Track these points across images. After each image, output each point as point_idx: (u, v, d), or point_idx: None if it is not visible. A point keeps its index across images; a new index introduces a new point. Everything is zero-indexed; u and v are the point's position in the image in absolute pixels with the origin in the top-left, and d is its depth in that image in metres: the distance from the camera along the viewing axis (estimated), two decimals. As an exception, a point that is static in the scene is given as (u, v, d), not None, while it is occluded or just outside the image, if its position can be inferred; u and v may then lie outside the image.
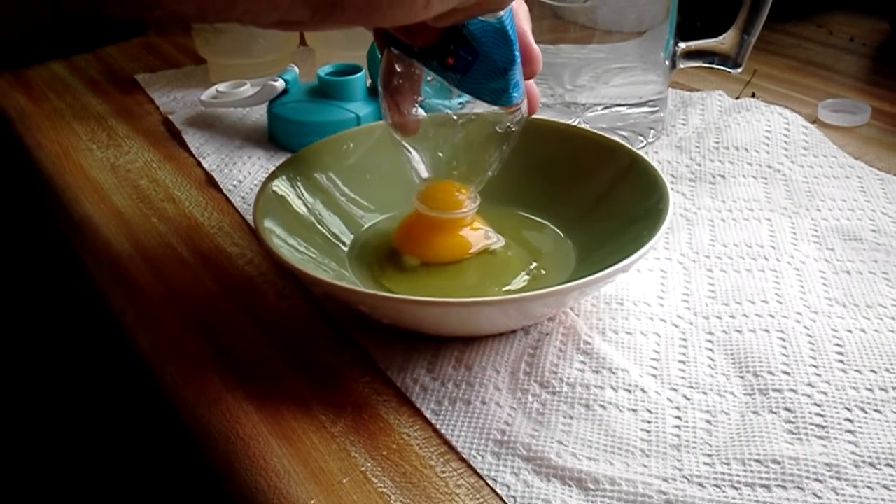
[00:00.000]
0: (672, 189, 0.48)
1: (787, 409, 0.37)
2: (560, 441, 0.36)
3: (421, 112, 0.44)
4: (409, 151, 0.45)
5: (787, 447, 0.35)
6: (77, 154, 0.62)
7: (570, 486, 0.34)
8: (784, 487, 0.33)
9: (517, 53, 0.40)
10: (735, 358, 0.40)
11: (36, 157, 0.63)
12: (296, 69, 0.63)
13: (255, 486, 0.35)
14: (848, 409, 0.37)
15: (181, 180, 0.58)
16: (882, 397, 0.37)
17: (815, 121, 0.63)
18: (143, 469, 0.71)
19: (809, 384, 0.38)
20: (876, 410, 0.37)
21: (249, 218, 0.52)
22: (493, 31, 0.39)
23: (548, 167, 0.50)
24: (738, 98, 0.66)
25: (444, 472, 0.35)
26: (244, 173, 0.58)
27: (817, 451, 0.35)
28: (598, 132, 0.51)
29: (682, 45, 0.60)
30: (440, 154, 0.45)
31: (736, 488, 0.33)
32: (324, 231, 0.47)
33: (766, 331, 0.42)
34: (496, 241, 0.46)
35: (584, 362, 0.40)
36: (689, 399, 0.38)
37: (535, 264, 0.46)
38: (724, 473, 0.34)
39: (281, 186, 0.46)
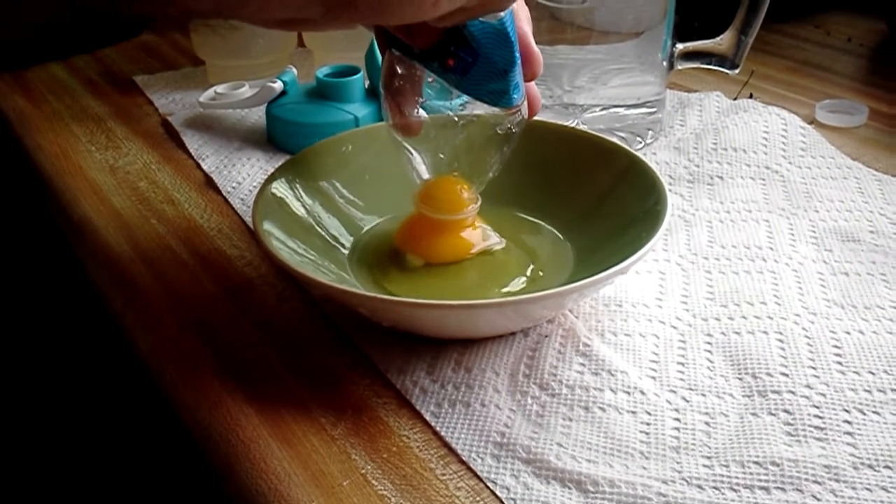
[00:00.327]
0: (670, 190, 0.48)
1: (785, 411, 0.37)
2: (559, 443, 0.36)
3: (422, 113, 0.44)
4: (410, 153, 0.45)
5: (786, 449, 0.35)
6: (76, 156, 0.62)
7: (569, 488, 0.34)
8: (783, 489, 0.33)
9: (517, 55, 0.40)
10: (734, 360, 0.40)
11: (35, 158, 0.63)
12: (294, 70, 0.63)
13: (256, 488, 0.35)
14: (846, 411, 0.37)
15: (180, 182, 0.58)
16: (881, 399, 0.38)
17: (812, 122, 0.63)
18: (144, 471, 0.71)
19: (808, 386, 0.38)
20: (874, 412, 0.37)
21: (249, 220, 0.52)
22: (493, 33, 0.39)
23: (546, 169, 0.50)
24: (735, 99, 0.66)
25: (444, 474, 0.35)
26: (243, 175, 0.58)
27: (816, 453, 0.35)
28: (597, 133, 0.51)
29: (680, 46, 0.60)
30: (441, 155, 0.45)
31: (735, 490, 0.33)
32: (323, 233, 0.47)
33: (765, 332, 0.42)
34: (497, 241, 0.46)
35: (583, 364, 0.40)
36: (688, 401, 0.38)
37: (533, 266, 0.46)
38: (723, 475, 0.34)
39: (280, 189, 0.47)
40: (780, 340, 0.41)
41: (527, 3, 0.44)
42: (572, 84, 0.59)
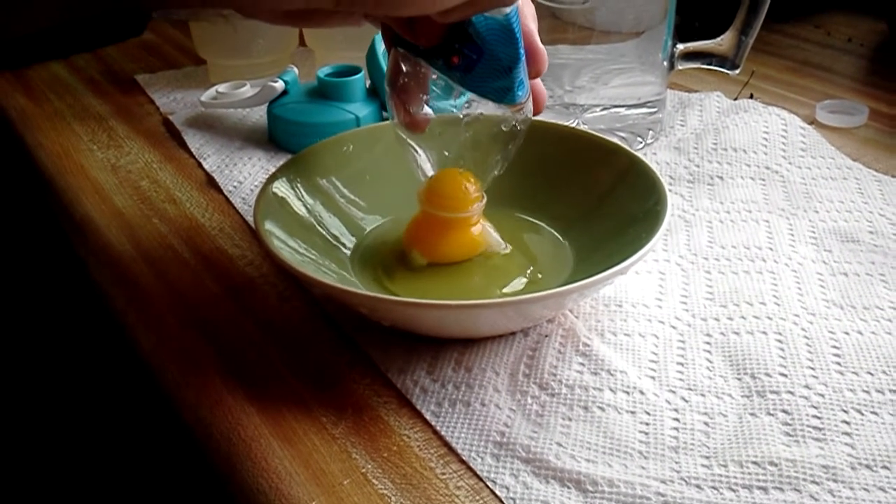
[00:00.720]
0: (670, 190, 0.48)
1: (784, 412, 0.37)
2: (559, 443, 0.36)
3: (428, 111, 0.44)
4: (416, 151, 0.45)
5: (785, 449, 0.35)
6: (78, 154, 0.62)
7: (568, 487, 0.34)
8: (781, 489, 0.34)
9: (522, 52, 0.40)
10: (733, 360, 0.40)
11: (37, 157, 0.63)
12: (295, 70, 0.63)
13: (257, 487, 0.35)
14: (845, 412, 0.37)
15: (182, 181, 0.58)
16: (879, 399, 0.38)
17: (812, 122, 0.63)
18: (146, 470, 0.71)
19: (807, 386, 0.38)
20: (872, 412, 0.37)
21: (250, 219, 0.53)
22: (498, 29, 0.39)
23: (546, 169, 0.51)
24: (736, 99, 0.66)
25: (443, 473, 0.35)
26: (244, 174, 0.58)
27: (814, 454, 0.35)
28: (597, 133, 0.51)
29: (681, 47, 0.60)
30: (446, 153, 0.45)
31: (733, 490, 0.34)
32: (324, 233, 0.47)
33: (764, 333, 0.42)
34: (502, 246, 0.47)
35: (582, 364, 0.40)
36: (687, 401, 0.38)
37: (533, 267, 0.46)
38: (721, 475, 0.34)
39: (281, 188, 0.47)
40: (780, 341, 0.41)
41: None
42: (573, 84, 0.59)
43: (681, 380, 0.39)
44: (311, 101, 0.61)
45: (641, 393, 0.38)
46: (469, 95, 0.42)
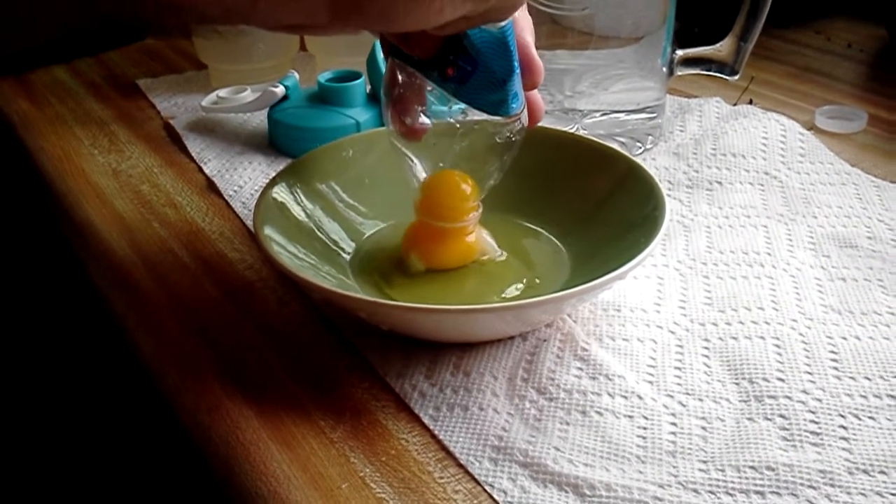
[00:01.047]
0: (669, 196, 0.48)
1: (781, 416, 0.37)
2: (557, 447, 0.36)
3: (425, 120, 0.44)
4: (411, 160, 0.45)
5: (782, 454, 0.35)
6: (79, 159, 0.63)
7: (566, 491, 0.34)
8: (778, 494, 0.34)
9: (516, 64, 0.41)
10: (731, 365, 0.40)
11: (38, 161, 0.63)
12: (296, 75, 0.64)
13: (256, 490, 0.35)
14: (842, 416, 0.37)
15: (182, 185, 0.58)
16: (876, 404, 0.38)
17: (811, 127, 0.64)
18: (144, 474, 0.71)
19: (804, 391, 0.38)
20: (870, 417, 0.37)
21: (250, 224, 0.53)
22: (493, 42, 0.39)
23: (545, 174, 0.51)
24: (735, 105, 0.66)
25: (441, 477, 0.35)
26: (245, 179, 0.58)
27: (812, 458, 0.35)
28: (596, 139, 0.51)
29: (680, 52, 0.60)
30: (441, 164, 0.45)
31: (731, 495, 0.34)
32: (323, 237, 0.47)
33: (762, 338, 0.42)
34: (497, 253, 0.47)
35: (581, 369, 0.40)
36: (684, 405, 0.38)
37: (531, 271, 0.46)
38: (719, 480, 0.34)
39: (281, 193, 0.47)
40: (777, 346, 0.41)
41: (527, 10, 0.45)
42: (573, 89, 0.59)
43: (679, 384, 0.39)
44: (312, 106, 0.61)
45: (639, 397, 0.38)
46: (464, 106, 0.42)
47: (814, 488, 0.34)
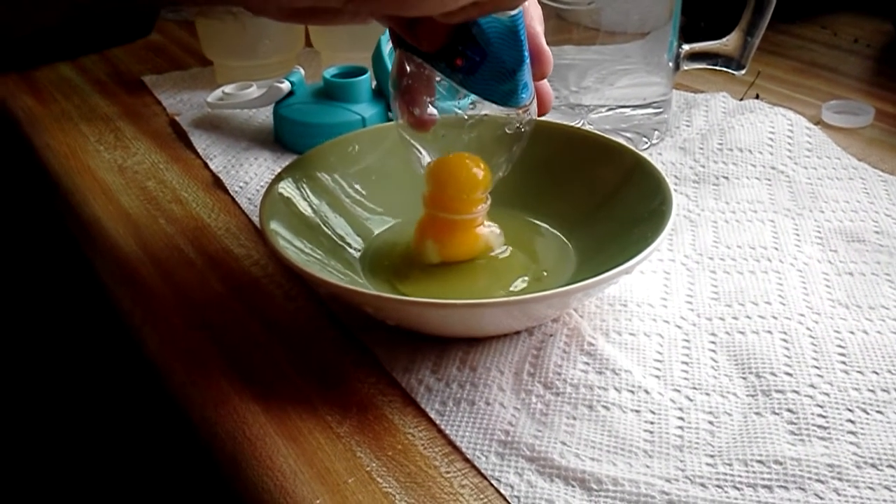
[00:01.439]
0: (676, 190, 0.48)
1: (789, 410, 0.37)
2: (563, 442, 0.36)
3: (433, 111, 0.44)
4: (419, 152, 0.45)
5: (790, 448, 0.35)
6: (85, 155, 0.63)
7: (573, 486, 0.34)
8: (786, 488, 0.34)
9: (526, 54, 0.40)
10: (738, 359, 0.40)
11: (44, 158, 0.64)
12: (301, 71, 0.64)
13: (262, 485, 0.35)
14: (850, 410, 0.37)
15: (188, 182, 0.59)
16: (884, 398, 0.38)
17: (818, 122, 0.63)
18: (151, 469, 0.71)
19: (812, 385, 0.38)
20: (878, 411, 0.37)
21: (256, 219, 0.53)
22: (503, 31, 0.39)
23: (551, 169, 0.51)
24: (742, 99, 0.66)
25: (448, 472, 0.35)
26: (250, 175, 0.58)
27: (819, 452, 0.35)
28: (602, 134, 0.51)
29: (686, 47, 0.60)
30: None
31: (738, 489, 0.34)
32: (329, 232, 0.47)
33: (769, 332, 0.42)
34: (503, 249, 0.47)
35: (587, 363, 0.40)
36: (691, 400, 0.38)
37: (538, 266, 0.46)
38: (726, 474, 0.34)
39: (287, 188, 0.47)
40: (785, 340, 0.41)
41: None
42: (579, 84, 0.59)
43: (686, 379, 0.39)
44: (317, 102, 0.61)
45: (646, 392, 0.38)
46: (473, 97, 0.42)
47: (822, 482, 0.34)
